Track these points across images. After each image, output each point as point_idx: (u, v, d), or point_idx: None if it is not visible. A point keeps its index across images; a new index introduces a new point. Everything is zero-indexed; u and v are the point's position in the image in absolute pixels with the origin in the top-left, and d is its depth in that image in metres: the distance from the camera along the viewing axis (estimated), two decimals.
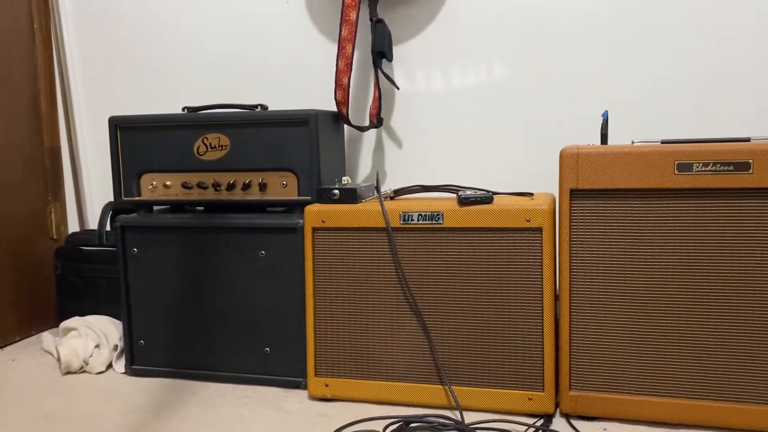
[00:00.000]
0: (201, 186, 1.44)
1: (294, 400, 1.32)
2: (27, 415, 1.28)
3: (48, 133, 1.87)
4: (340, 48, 1.50)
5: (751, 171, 1.08)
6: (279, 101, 1.70)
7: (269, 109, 1.46)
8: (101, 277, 1.69)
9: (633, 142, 1.17)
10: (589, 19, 1.51)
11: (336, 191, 1.32)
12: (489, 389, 1.23)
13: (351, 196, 1.31)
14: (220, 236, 1.40)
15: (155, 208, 1.52)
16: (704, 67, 1.46)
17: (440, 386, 1.25)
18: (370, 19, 1.55)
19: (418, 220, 1.24)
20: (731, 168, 1.09)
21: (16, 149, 1.77)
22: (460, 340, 1.24)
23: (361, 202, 1.32)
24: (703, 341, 1.13)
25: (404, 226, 1.25)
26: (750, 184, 1.08)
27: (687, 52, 1.47)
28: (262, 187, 1.41)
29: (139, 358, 1.48)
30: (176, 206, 1.52)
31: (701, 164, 1.10)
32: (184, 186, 1.45)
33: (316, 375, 1.32)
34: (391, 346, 1.28)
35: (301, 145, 1.38)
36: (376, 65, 1.57)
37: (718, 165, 1.09)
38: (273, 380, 1.39)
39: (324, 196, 1.33)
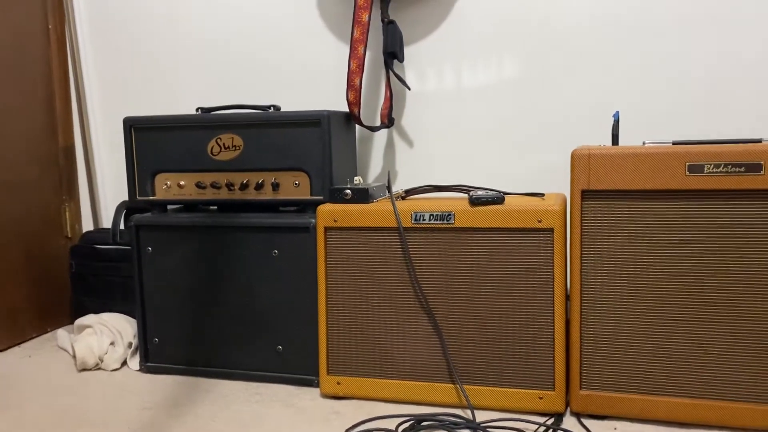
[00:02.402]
0: (214, 186, 1.45)
1: (306, 397, 1.34)
2: (43, 411, 1.30)
3: (62, 133, 1.90)
4: (352, 49, 1.51)
5: (762, 172, 1.08)
6: (291, 102, 1.71)
7: (282, 109, 1.48)
8: (115, 275, 1.71)
9: (644, 143, 1.18)
10: (600, 19, 1.52)
11: (348, 191, 1.33)
12: (500, 388, 1.24)
13: (363, 196, 1.32)
14: (233, 235, 1.41)
15: (169, 207, 1.53)
16: (715, 68, 1.46)
17: (452, 385, 1.26)
18: (382, 21, 1.56)
19: (429, 220, 1.25)
20: (743, 169, 1.09)
21: (31, 149, 1.79)
22: (472, 340, 1.25)
23: (372, 202, 1.34)
24: (713, 341, 1.14)
25: (416, 225, 1.26)
26: (761, 186, 1.08)
27: (698, 53, 1.47)
28: (275, 186, 1.43)
29: (153, 355, 1.50)
30: (190, 206, 1.53)
31: (712, 165, 1.10)
32: (198, 186, 1.46)
33: (328, 373, 1.33)
34: (403, 345, 1.29)
35: (314, 145, 1.39)
36: (388, 66, 1.58)
37: (730, 166, 1.10)
38: (285, 378, 1.41)
39: (336, 196, 1.34)
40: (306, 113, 1.39)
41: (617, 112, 1.25)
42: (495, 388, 1.24)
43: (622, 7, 1.50)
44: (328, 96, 1.69)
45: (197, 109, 1.49)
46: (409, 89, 1.65)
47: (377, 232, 1.29)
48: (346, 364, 1.32)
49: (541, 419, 1.20)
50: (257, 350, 1.42)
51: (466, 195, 1.30)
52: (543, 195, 1.31)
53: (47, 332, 1.81)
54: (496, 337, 1.24)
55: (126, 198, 1.68)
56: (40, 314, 1.80)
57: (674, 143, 1.16)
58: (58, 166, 1.88)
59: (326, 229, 1.31)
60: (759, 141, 1.13)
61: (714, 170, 1.10)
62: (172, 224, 1.46)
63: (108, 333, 1.57)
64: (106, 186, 1.93)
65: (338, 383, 1.32)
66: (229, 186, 1.44)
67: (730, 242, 1.12)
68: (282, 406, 1.30)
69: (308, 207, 1.41)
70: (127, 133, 1.49)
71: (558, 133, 1.57)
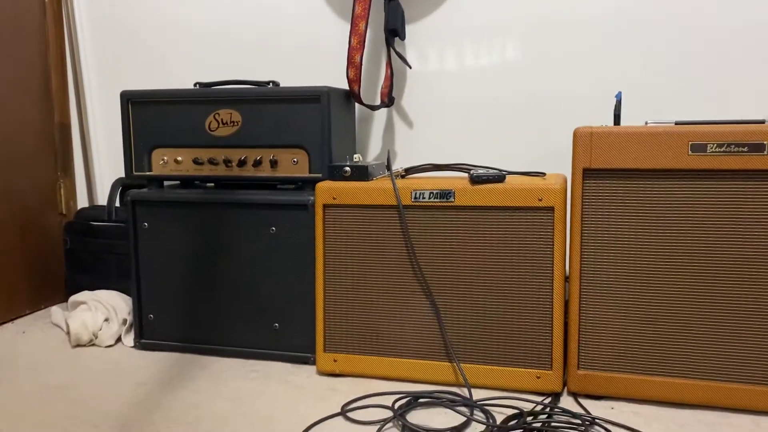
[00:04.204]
0: (212, 162, 1.44)
1: (303, 375, 1.33)
2: (38, 386, 1.29)
3: (58, 109, 1.87)
4: (353, 25, 1.50)
5: (765, 153, 1.08)
6: (291, 78, 1.70)
7: (281, 85, 1.46)
8: (110, 252, 1.70)
9: (647, 123, 1.17)
10: (604, 1, 1.50)
11: (347, 168, 1.32)
12: (497, 367, 1.24)
13: (362, 173, 1.31)
14: (230, 212, 1.40)
15: (165, 183, 1.52)
16: (718, 49, 1.45)
17: (449, 363, 1.26)
18: None
19: (429, 198, 1.24)
20: (745, 149, 1.09)
21: (26, 124, 1.77)
22: (470, 318, 1.25)
23: (372, 179, 1.33)
24: (712, 322, 1.14)
25: (415, 203, 1.25)
26: (764, 166, 1.08)
27: (701, 35, 1.46)
28: (273, 163, 1.41)
29: (148, 332, 1.49)
30: (187, 182, 1.52)
31: (715, 145, 1.10)
32: (195, 162, 1.45)
33: (324, 350, 1.32)
34: (400, 322, 1.28)
35: (313, 122, 1.38)
36: (389, 44, 1.56)
37: (732, 146, 1.09)
38: (282, 355, 1.40)
39: (335, 174, 1.33)
40: (305, 89, 1.38)
41: (620, 93, 1.24)
42: (492, 367, 1.24)
43: None
44: (328, 73, 1.67)
45: (195, 84, 1.48)
46: (410, 68, 1.63)
47: (376, 209, 1.28)
48: (342, 341, 1.32)
49: (538, 398, 1.20)
50: (254, 327, 1.42)
51: (466, 174, 1.30)
52: (544, 174, 1.30)
53: (41, 309, 1.80)
54: (494, 316, 1.23)
55: (122, 175, 1.67)
56: (34, 291, 1.78)
57: (677, 123, 1.15)
58: (54, 141, 1.86)
59: (325, 206, 1.30)
60: (762, 122, 1.12)
61: (717, 150, 1.10)
62: (169, 200, 1.44)
63: (102, 309, 1.55)
64: (101, 162, 1.91)
65: (335, 360, 1.32)
66: (227, 162, 1.43)
67: (732, 222, 1.11)
68: (278, 383, 1.29)
69: (307, 184, 1.40)
70: (124, 107, 1.47)
71: (560, 114, 1.56)
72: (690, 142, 1.11)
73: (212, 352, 1.45)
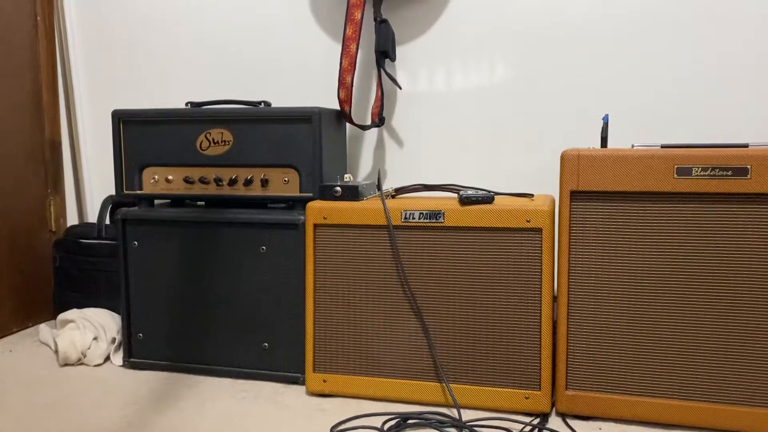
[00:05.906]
0: (203, 181, 1.44)
1: (292, 395, 1.33)
2: (24, 405, 1.28)
3: (49, 125, 1.87)
4: (344, 47, 1.51)
5: (749, 176, 1.10)
6: (282, 98, 1.71)
7: (273, 105, 1.47)
8: (100, 270, 1.70)
9: (633, 146, 1.19)
10: (592, 23, 1.53)
11: (338, 188, 1.33)
12: (486, 387, 1.24)
13: (353, 193, 1.32)
14: (221, 231, 1.41)
15: (156, 202, 1.52)
16: (704, 74, 1.48)
17: (438, 384, 1.26)
18: (375, 19, 1.56)
19: (419, 219, 1.25)
20: (730, 173, 1.10)
21: (16, 141, 1.77)
22: (459, 339, 1.25)
23: (362, 199, 1.33)
24: (699, 343, 1.15)
25: (405, 224, 1.26)
26: (748, 189, 1.10)
27: (687, 60, 1.49)
28: (264, 183, 1.42)
29: (137, 351, 1.48)
30: (177, 200, 1.52)
31: (700, 169, 1.12)
32: (186, 180, 1.45)
33: (314, 371, 1.32)
34: (390, 343, 1.29)
35: (304, 142, 1.38)
36: (379, 65, 1.58)
37: (717, 170, 1.11)
38: (271, 375, 1.40)
39: (326, 193, 1.34)
40: (297, 109, 1.39)
41: (606, 116, 1.26)
42: (481, 388, 1.24)
43: (616, 12, 1.51)
44: (320, 93, 1.69)
45: (187, 104, 1.48)
46: (401, 88, 1.65)
47: (367, 229, 1.28)
48: (332, 361, 1.32)
49: (526, 419, 1.20)
50: (243, 347, 1.41)
51: (455, 194, 1.31)
52: (532, 195, 1.31)
53: (29, 327, 1.79)
54: (483, 337, 1.24)
55: (112, 193, 1.67)
56: (22, 309, 1.77)
57: (663, 146, 1.17)
58: (44, 159, 1.86)
59: (315, 226, 1.31)
60: (746, 146, 1.14)
61: (702, 173, 1.12)
62: (160, 219, 1.44)
63: (91, 328, 1.55)
64: (92, 180, 1.91)
65: (324, 381, 1.32)
66: (218, 181, 1.44)
67: (717, 245, 1.13)
68: (267, 403, 1.29)
69: (297, 204, 1.41)
70: (115, 126, 1.48)
71: (548, 135, 1.58)
72: (676, 166, 1.13)
73: (201, 371, 1.44)
